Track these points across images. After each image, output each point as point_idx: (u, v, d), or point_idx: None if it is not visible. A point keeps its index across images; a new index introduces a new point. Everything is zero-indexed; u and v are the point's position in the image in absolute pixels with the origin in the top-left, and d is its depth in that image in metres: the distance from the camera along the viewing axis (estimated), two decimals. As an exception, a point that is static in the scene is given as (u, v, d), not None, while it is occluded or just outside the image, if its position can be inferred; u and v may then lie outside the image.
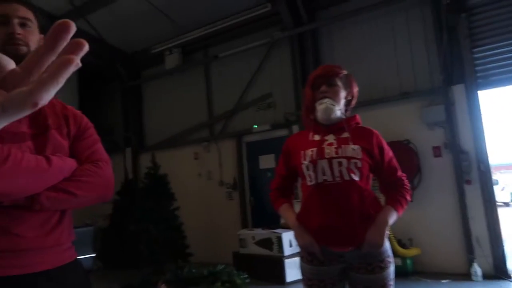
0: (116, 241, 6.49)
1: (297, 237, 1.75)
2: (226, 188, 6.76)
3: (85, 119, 1.29)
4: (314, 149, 1.71)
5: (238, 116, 6.83)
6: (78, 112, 1.30)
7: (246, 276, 4.31)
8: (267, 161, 6.42)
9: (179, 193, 6.20)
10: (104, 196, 1.17)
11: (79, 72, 7.81)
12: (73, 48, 0.37)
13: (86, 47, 0.38)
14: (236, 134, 6.74)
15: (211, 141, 7.02)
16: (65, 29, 0.38)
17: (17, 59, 1.12)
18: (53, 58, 0.37)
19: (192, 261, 5.88)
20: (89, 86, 8.27)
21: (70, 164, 1.11)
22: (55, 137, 1.15)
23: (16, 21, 1.13)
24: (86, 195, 1.10)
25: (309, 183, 1.71)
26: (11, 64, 0.38)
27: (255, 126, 6.43)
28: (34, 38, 1.17)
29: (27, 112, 0.36)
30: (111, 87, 8.46)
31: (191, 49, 7.33)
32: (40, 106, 0.36)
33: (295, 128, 5.97)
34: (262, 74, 6.61)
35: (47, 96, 0.36)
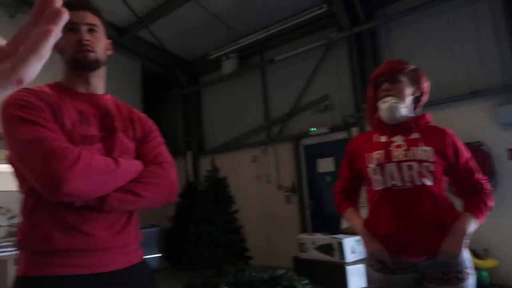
0: (179, 242, 6.71)
1: (365, 244, 1.67)
2: (284, 192, 6.74)
3: (150, 122, 1.33)
4: (381, 151, 1.62)
5: (295, 119, 6.79)
6: (143, 115, 1.33)
7: (307, 281, 4.25)
8: (325, 165, 6.31)
9: (238, 196, 6.29)
10: (169, 197, 1.19)
11: (143, 79, 8.23)
12: (52, 17, 0.35)
13: (66, 16, 0.36)
14: (293, 137, 6.70)
15: (268, 144, 7.04)
16: (48, 2, 0.35)
17: (87, 66, 1.17)
18: None
19: (251, 264, 5.93)
20: (152, 93, 8.66)
21: (137, 165, 1.14)
22: (122, 140, 1.18)
23: (84, 28, 1.17)
24: (152, 197, 1.12)
25: (376, 188, 1.62)
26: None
27: (313, 129, 6.34)
28: (101, 44, 1.21)
29: (12, 89, 0.34)
30: (172, 93, 8.78)
31: (247, 54, 7.40)
32: (26, 82, 0.34)
33: (355, 131, 5.81)
34: (318, 76, 6.51)
35: (32, 71, 0.34)
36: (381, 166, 1.60)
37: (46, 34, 0.34)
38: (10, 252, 4.00)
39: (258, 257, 6.24)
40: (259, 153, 7.16)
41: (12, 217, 5.59)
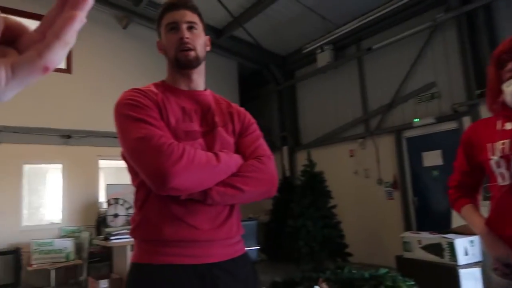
0: (277, 236, 6.80)
1: (488, 246, 1.47)
2: (385, 187, 6.39)
3: (248, 116, 1.33)
4: (506, 141, 1.40)
5: (396, 110, 6.38)
6: (242, 109, 1.35)
7: (412, 283, 3.97)
8: (431, 158, 5.82)
9: (335, 191, 6.13)
10: (269, 191, 1.19)
11: (239, 76, 8.52)
12: (77, 3, 0.33)
13: (90, 2, 0.34)
14: (394, 129, 6.31)
15: (367, 138, 6.74)
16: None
17: (188, 64, 1.21)
18: None
19: (350, 261, 5.75)
20: (248, 90, 8.91)
21: (237, 159, 1.15)
22: (222, 134, 1.21)
23: (184, 26, 1.21)
24: (253, 191, 1.13)
25: (501, 183, 1.41)
26: (28, 27, 0.36)
27: (416, 120, 5.89)
28: (200, 41, 1.24)
29: (37, 77, 0.33)
30: (268, 89, 8.93)
31: (342, 45, 7.17)
32: (51, 70, 0.33)
33: (466, 120, 5.25)
34: (423, 63, 6.01)
35: (57, 59, 0.33)
36: (506, 158, 1.39)
37: (70, 20, 0.33)
38: (128, 239, 4.43)
39: (358, 254, 6.02)
40: (357, 146, 6.90)
41: (129, 208, 6.23)
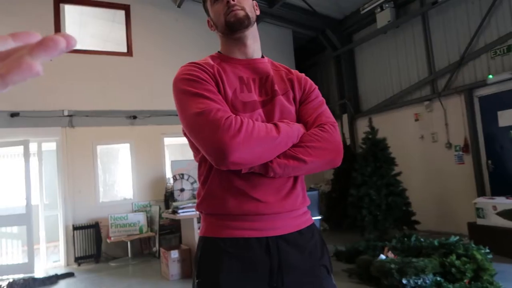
0: (339, 206, 6.72)
1: None
2: (455, 151, 5.98)
3: (309, 82, 1.27)
4: None
5: (466, 68, 5.86)
6: (302, 74, 1.29)
7: (488, 251, 3.72)
8: (508, 118, 5.31)
9: (400, 157, 5.85)
10: (334, 161, 1.13)
11: (295, 43, 8.31)
12: (43, 46, 0.28)
13: (62, 47, 0.29)
14: (465, 89, 5.81)
15: (433, 100, 6.30)
16: (54, 46, 0.29)
17: (239, 24, 1.12)
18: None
19: (418, 229, 5.53)
20: (304, 59, 8.69)
21: (298, 129, 1.11)
22: (282, 103, 1.16)
23: None
24: (316, 161, 1.09)
25: None
26: None
27: (490, 77, 5.36)
28: (248, 2, 1.19)
29: None
30: (324, 56, 8.64)
31: (404, 1, 6.66)
32: None
33: (550, 72, 4.67)
34: (498, 12, 5.40)
35: None
36: None
37: (20, 68, 0.29)
38: (194, 212, 4.63)
39: (426, 222, 5.76)
40: (422, 110, 6.48)
41: (193, 182, 6.49)
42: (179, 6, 7.37)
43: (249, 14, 1.17)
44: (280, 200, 1.11)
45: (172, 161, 6.90)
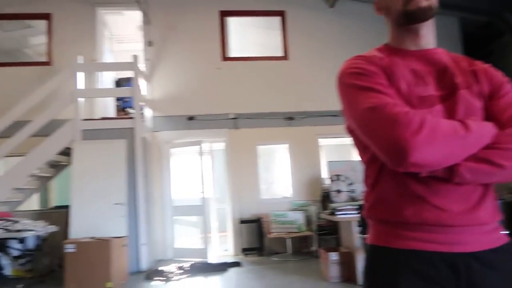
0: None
1: None
2: None
3: (498, 73, 1.09)
4: None
5: None
6: (487, 65, 1.11)
7: None
8: None
9: None
10: None
11: (462, 31, 7.40)
12: None
13: None
14: None
15: None
16: None
17: (420, 15, 1.00)
18: None
19: None
20: (474, 48, 7.67)
21: (489, 129, 0.95)
22: (465, 98, 1.01)
23: None
24: None
25: None
26: None
27: None
28: None
29: None
30: (502, 42, 7.46)
31: None
32: None
33: None
34: None
35: None
36: None
37: None
38: (353, 215, 4.54)
39: None
40: None
41: (350, 184, 6.37)
42: (331, 7, 7.34)
43: (433, 4, 1.03)
44: (468, 211, 0.95)
45: (329, 162, 6.92)
